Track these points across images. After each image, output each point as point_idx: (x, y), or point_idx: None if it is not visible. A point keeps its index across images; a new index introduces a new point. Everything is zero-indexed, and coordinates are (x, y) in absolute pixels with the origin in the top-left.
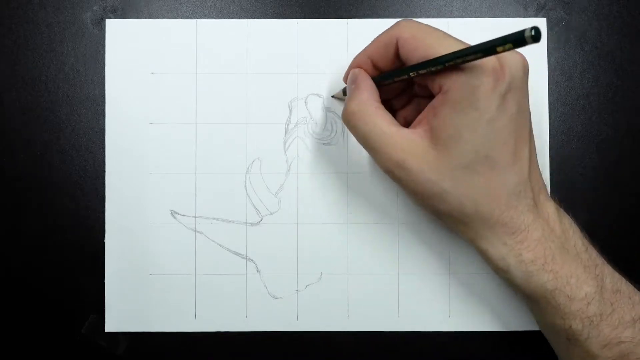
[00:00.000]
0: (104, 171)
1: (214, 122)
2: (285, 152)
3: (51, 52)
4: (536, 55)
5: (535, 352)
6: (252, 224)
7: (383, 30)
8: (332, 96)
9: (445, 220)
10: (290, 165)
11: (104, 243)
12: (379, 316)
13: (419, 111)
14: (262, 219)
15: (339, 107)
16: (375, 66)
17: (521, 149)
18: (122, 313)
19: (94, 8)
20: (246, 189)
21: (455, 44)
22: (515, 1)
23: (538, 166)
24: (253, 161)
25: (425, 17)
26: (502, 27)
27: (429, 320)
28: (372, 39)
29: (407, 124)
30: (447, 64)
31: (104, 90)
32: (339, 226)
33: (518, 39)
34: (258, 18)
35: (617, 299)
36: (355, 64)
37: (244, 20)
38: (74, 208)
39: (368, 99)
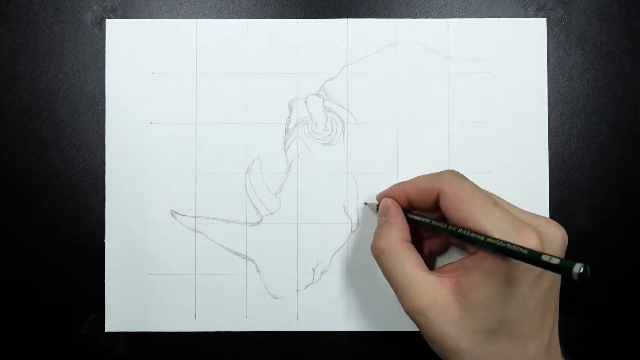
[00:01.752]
0: (104, 171)
1: (214, 122)
2: (285, 152)
3: (51, 52)
4: (536, 55)
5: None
6: (252, 224)
7: (427, 175)
8: (365, 203)
9: None
10: (290, 165)
11: (104, 243)
12: (379, 316)
13: (445, 245)
14: (262, 218)
15: (339, 107)
16: (411, 203)
17: (546, 322)
18: (122, 313)
19: (94, 8)
20: (246, 189)
21: (499, 212)
22: (515, 1)
23: (557, 334)
24: (253, 161)
25: (425, 17)
26: (502, 27)
27: None
28: (415, 177)
29: (431, 253)
30: (486, 248)
31: (104, 90)
32: (339, 226)
33: (565, 271)
34: (258, 18)
35: None
36: (391, 194)
37: (244, 20)
38: (74, 208)
39: (397, 237)
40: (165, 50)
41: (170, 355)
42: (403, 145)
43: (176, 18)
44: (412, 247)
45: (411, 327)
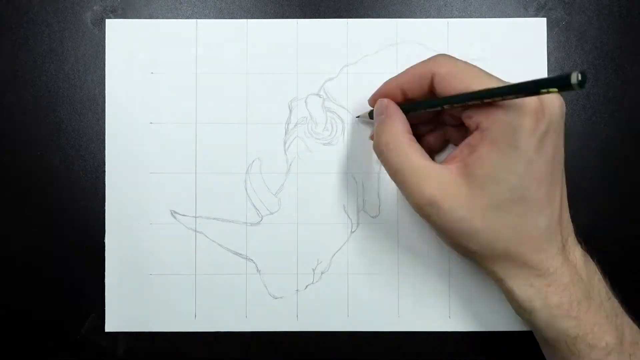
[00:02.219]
0: (104, 171)
1: (214, 122)
2: (285, 152)
3: (51, 52)
4: (536, 55)
5: (535, 352)
6: (252, 224)
7: (418, 62)
8: (357, 117)
9: (473, 258)
10: (290, 165)
11: (104, 243)
12: (379, 316)
13: (444, 139)
14: (262, 219)
15: (339, 107)
16: (405, 96)
17: (554, 192)
18: (122, 313)
19: (94, 8)
20: (246, 189)
21: (494, 82)
22: (515, 1)
23: (568, 210)
24: (253, 161)
25: (425, 17)
26: (502, 27)
27: (429, 320)
28: (406, 69)
29: (430, 151)
30: (485, 100)
31: (104, 90)
32: (339, 226)
33: (564, 83)
34: (258, 18)
35: (635, 350)
36: (384, 91)
37: (244, 20)
38: (74, 208)
39: (401, 130)
40: (165, 50)
41: (170, 355)
42: None
43: (176, 18)
44: (414, 139)
45: (411, 327)
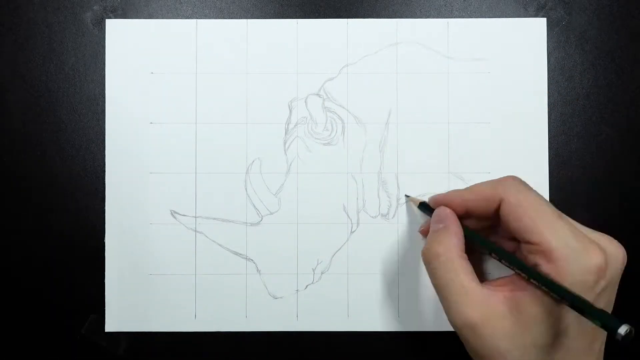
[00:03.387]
0: (104, 171)
1: (214, 122)
2: (285, 152)
3: (51, 52)
4: (536, 55)
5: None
6: (252, 224)
7: (487, 183)
8: (406, 195)
9: None
10: (290, 165)
11: (104, 243)
12: (379, 316)
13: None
14: (262, 219)
15: (339, 107)
16: (468, 211)
17: (596, 342)
18: (122, 313)
19: (94, 8)
20: (246, 189)
21: (565, 231)
22: (515, 1)
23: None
24: (253, 161)
25: (425, 17)
26: (502, 27)
27: (429, 320)
28: (474, 186)
29: (477, 267)
30: (548, 289)
31: (104, 90)
32: (339, 226)
33: (611, 331)
34: (258, 18)
35: None
36: (448, 200)
37: (244, 20)
38: (74, 208)
39: (455, 245)
40: (165, 50)
41: (170, 355)
42: (403, 145)
43: (176, 18)
44: (466, 257)
45: (411, 327)
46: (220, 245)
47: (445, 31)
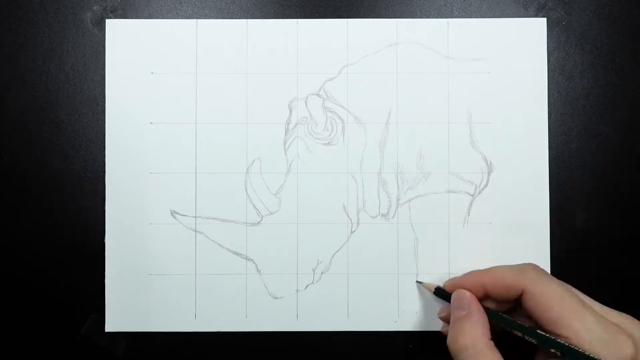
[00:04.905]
0: (104, 171)
1: (214, 122)
2: (285, 152)
3: (51, 52)
4: (536, 55)
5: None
6: (252, 224)
7: (505, 268)
8: (418, 282)
9: None
10: (290, 165)
11: (104, 243)
12: (379, 316)
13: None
14: (262, 219)
15: (339, 107)
16: (486, 295)
17: None
18: (122, 313)
19: (94, 8)
20: (246, 189)
21: (594, 323)
22: (515, 1)
23: None
24: (253, 161)
25: (425, 17)
26: (502, 27)
27: (429, 320)
28: (492, 269)
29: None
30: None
31: (104, 90)
32: (339, 226)
33: None
34: (258, 18)
35: None
36: (467, 284)
37: (244, 20)
38: (74, 208)
39: (482, 334)
40: (165, 50)
41: (170, 355)
42: (403, 145)
43: (176, 18)
44: (493, 345)
45: (411, 327)
46: (220, 245)
47: (445, 31)
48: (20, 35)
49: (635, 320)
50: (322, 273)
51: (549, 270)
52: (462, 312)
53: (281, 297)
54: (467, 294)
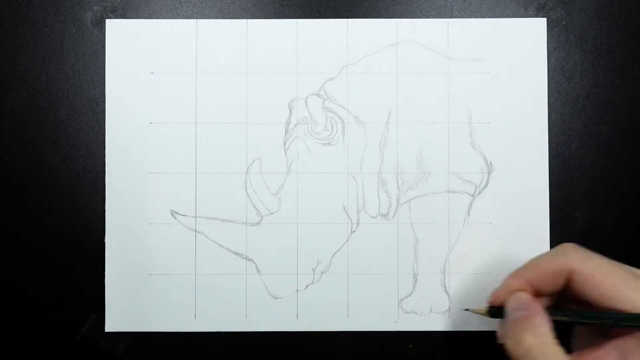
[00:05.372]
0: (104, 171)
1: (214, 122)
2: (285, 152)
3: (51, 52)
4: (536, 55)
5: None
6: (252, 224)
7: (543, 256)
8: (465, 309)
9: None
10: (290, 165)
11: (104, 243)
12: (379, 316)
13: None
14: (262, 218)
15: (339, 107)
16: (536, 292)
17: None
18: (122, 313)
19: (94, 8)
20: (246, 189)
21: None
22: (515, 1)
23: None
24: (253, 161)
25: (425, 17)
26: (502, 27)
27: (429, 320)
28: (530, 262)
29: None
30: None
31: (104, 90)
32: (339, 226)
33: None
34: (258, 18)
35: None
36: (512, 287)
37: (244, 20)
38: (74, 208)
39: (546, 334)
40: (165, 50)
41: (170, 355)
42: (403, 145)
43: (176, 18)
44: (559, 345)
45: (411, 327)
46: (220, 245)
47: (445, 31)
48: (20, 35)
49: None
50: (322, 273)
51: None
52: (522, 313)
53: (281, 297)
54: (524, 294)
